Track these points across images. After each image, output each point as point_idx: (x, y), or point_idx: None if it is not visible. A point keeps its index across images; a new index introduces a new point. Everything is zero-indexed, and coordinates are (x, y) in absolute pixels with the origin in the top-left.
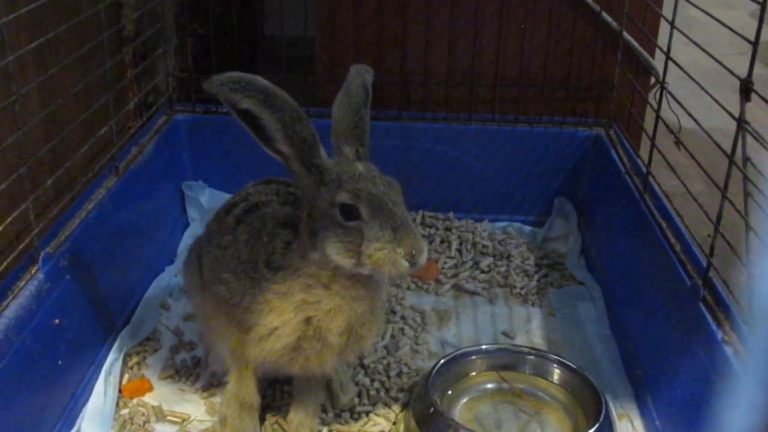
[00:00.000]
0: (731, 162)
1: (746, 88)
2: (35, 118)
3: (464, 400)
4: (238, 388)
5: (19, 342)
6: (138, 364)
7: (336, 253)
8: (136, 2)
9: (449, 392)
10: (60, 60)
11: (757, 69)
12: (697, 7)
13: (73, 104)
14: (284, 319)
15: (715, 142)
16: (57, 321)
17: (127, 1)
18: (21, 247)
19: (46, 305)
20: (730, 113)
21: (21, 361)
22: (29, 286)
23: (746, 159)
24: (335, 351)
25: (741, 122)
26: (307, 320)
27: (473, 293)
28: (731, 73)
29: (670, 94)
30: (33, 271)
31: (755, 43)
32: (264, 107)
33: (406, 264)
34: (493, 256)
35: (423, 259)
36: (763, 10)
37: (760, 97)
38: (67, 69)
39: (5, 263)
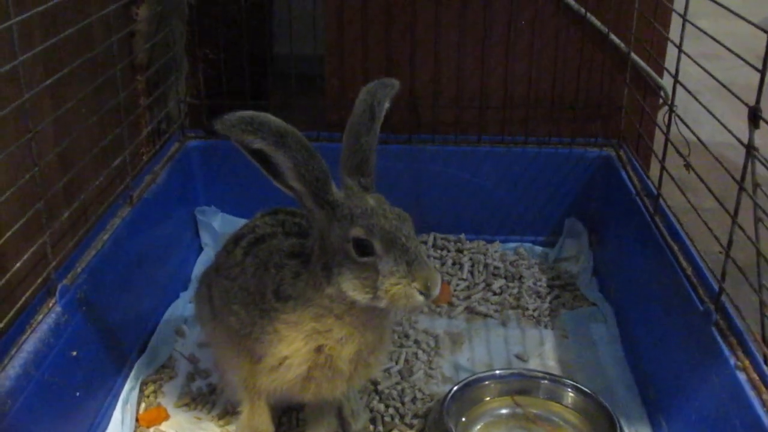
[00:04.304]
0: (741, 189)
1: (754, 116)
2: (51, 153)
3: (479, 426)
4: (251, 419)
5: (38, 376)
6: (154, 392)
7: (352, 289)
8: (147, 32)
9: (463, 419)
10: (74, 93)
11: None
12: (699, 28)
13: (88, 135)
14: (294, 349)
15: (723, 167)
16: (75, 353)
17: (139, 30)
18: (39, 281)
19: (64, 338)
20: (739, 140)
21: (40, 395)
22: (47, 319)
23: (756, 185)
24: (345, 378)
25: (750, 149)
26: (318, 349)
27: (486, 315)
28: (739, 100)
29: (679, 117)
30: (51, 304)
31: (763, 71)
32: (276, 147)
33: (421, 299)
34: (505, 278)
35: (437, 291)
36: None
37: None
38: (81, 101)
39: (24, 297)
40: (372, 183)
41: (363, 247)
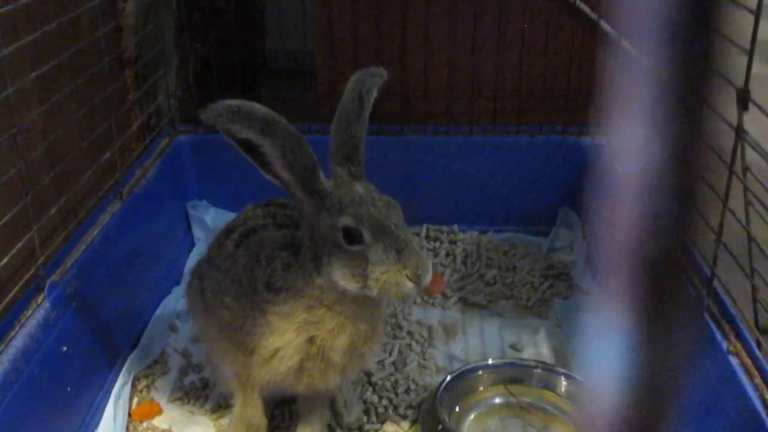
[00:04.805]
0: (731, 173)
1: (743, 99)
2: (39, 147)
3: (472, 415)
4: (245, 411)
5: (28, 371)
6: (147, 387)
7: (343, 279)
8: (135, 25)
9: (457, 409)
10: (62, 87)
11: (759, 68)
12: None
13: (76, 130)
14: (286, 340)
15: (715, 152)
16: (65, 349)
17: (127, 25)
18: (27, 276)
19: (54, 333)
20: (728, 123)
21: (30, 390)
22: (36, 315)
23: (746, 168)
24: (339, 369)
25: (739, 132)
26: (310, 340)
27: (479, 306)
28: (728, 81)
29: None
30: (39, 300)
31: (750, 52)
32: (263, 136)
33: (412, 286)
34: (499, 268)
35: (428, 278)
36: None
37: (758, 107)
38: (69, 96)
39: (12, 293)
40: (362, 172)
41: (352, 236)
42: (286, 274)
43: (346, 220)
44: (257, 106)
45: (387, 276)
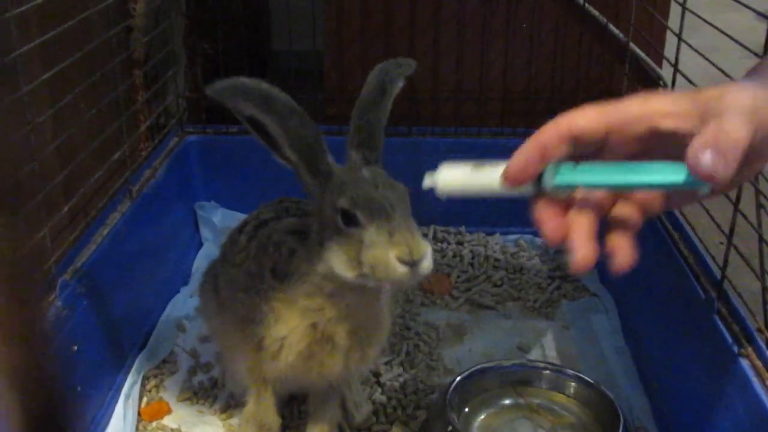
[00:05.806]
0: None
1: None
2: (50, 147)
3: (481, 416)
4: (257, 410)
5: None
6: (156, 386)
7: (338, 263)
8: (145, 26)
9: (466, 409)
10: (72, 87)
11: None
12: (699, 17)
13: (86, 130)
14: (291, 327)
15: None
16: (75, 348)
17: (137, 25)
18: (38, 275)
19: (64, 332)
20: None
21: None
22: (47, 314)
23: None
24: (344, 351)
25: None
26: (313, 326)
27: (487, 307)
28: None
29: None
30: (50, 299)
31: (762, 57)
32: (265, 113)
33: (403, 269)
34: (506, 270)
35: (425, 262)
36: None
37: None
38: (80, 96)
39: None
40: (377, 157)
41: (349, 218)
42: (291, 260)
43: (343, 202)
44: (257, 82)
45: (375, 258)
